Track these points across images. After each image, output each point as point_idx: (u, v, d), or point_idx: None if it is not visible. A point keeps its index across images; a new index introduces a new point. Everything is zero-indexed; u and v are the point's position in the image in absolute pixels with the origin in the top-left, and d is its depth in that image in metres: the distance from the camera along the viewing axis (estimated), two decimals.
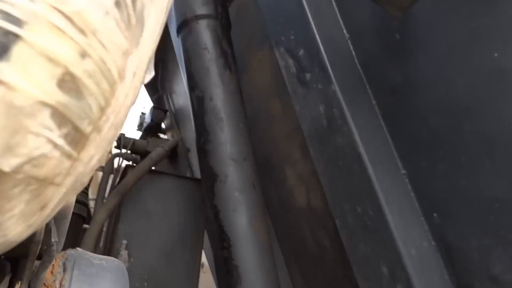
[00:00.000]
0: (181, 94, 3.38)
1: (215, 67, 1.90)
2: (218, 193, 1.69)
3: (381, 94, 1.38)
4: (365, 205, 1.34)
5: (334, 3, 1.54)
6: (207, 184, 1.74)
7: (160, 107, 3.55)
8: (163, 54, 3.60)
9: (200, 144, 1.82)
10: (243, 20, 2.34)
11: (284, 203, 2.07)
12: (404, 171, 1.32)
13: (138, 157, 2.88)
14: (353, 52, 1.47)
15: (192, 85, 1.92)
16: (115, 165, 2.73)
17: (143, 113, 3.93)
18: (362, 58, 1.45)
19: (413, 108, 1.26)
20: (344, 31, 1.50)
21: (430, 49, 1.20)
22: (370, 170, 1.31)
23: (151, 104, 3.80)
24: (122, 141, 2.82)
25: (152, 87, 3.76)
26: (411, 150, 1.29)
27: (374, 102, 1.40)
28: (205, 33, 1.98)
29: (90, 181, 2.96)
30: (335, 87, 1.40)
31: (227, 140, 1.76)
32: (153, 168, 2.47)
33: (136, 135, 3.85)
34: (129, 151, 2.87)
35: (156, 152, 2.42)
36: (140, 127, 3.88)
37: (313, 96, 1.50)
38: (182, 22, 2.07)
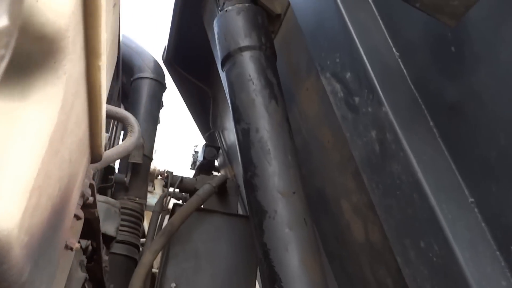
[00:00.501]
0: (232, 131, 3.35)
1: (260, 98, 1.83)
2: (267, 230, 1.59)
3: (438, 113, 1.25)
4: (429, 239, 1.18)
5: (380, 21, 1.44)
6: (255, 220, 1.65)
7: (212, 145, 3.53)
8: (213, 92, 3.62)
9: (247, 178, 1.74)
10: (289, 50, 2.28)
11: (341, 239, 1.93)
12: (471, 199, 1.16)
13: (188, 195, 2.84)
14: (405, 71, 1.35)
15: (238, 117, 1.87)
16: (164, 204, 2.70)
17: (195, 152, 3.93)
18: (415, 76, 1.33)
19: (477, 126, 1.12)
20: (394, 49, 1.39)
21: (492, 58, 1.06)
22: (432, 199, 1.17)
23: (203, 142, 3.80)
24: (169, 179, 2.79)
25: (204, 125, 3.76)
26: (478, 174, 1.14)
27: (431, 123, 1.26)
28: (249, 64, 1.93)
29: (143, 222, 2.95)
30: (387, 109, 1.28)
31: (275, 173, 1.67)
32: (202, 206, 2.41)
33: (191, 174, 3.85)
34: (177, 190, 2.83)
35: (203, 189, 2.36)
36: (193, 165, 3.87)
37: (364, 121, 1.38)
38: (226, 55, 2.04)
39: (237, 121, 1.86)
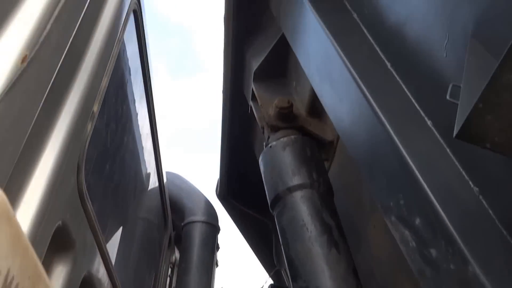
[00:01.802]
0: None
1: (318, 247, 1.57)
2: None
3: None
4: None
5: (448, 149, 1.18)
6: None
7: (278, 285, 3.19)
8: (275, 224, 3.37)
9: None
10: (347, 179, 2.03)
11: None
12: None
13: None
14: (490, 211, 1.05)
15: (293, 274, 1.59)
16: None
17: None
18: (506, 217, 1.02)
19: None
20: (471, 183, 1.10)
21: None
22: None
23: (270, 282, 3.47)
24: None
25: (268, 262, 3.47)
26: None
27: None
28: (301, 207, 1.70)
29: None
30: (475, 268, 0.96)
31: None
32: None
33: None
34: None
35: None
36: None
37: (447, 281, 1.06)
38: (275, 197, 1.83)
39: (293, 278, 1.59)
